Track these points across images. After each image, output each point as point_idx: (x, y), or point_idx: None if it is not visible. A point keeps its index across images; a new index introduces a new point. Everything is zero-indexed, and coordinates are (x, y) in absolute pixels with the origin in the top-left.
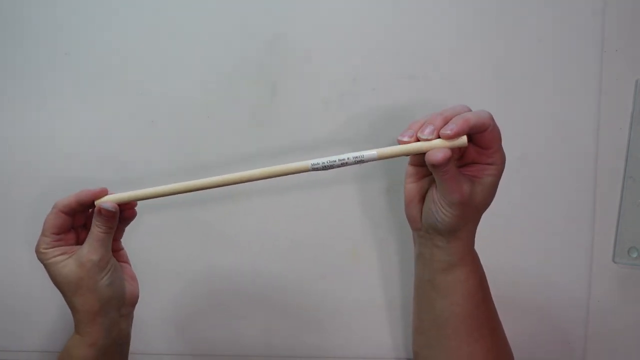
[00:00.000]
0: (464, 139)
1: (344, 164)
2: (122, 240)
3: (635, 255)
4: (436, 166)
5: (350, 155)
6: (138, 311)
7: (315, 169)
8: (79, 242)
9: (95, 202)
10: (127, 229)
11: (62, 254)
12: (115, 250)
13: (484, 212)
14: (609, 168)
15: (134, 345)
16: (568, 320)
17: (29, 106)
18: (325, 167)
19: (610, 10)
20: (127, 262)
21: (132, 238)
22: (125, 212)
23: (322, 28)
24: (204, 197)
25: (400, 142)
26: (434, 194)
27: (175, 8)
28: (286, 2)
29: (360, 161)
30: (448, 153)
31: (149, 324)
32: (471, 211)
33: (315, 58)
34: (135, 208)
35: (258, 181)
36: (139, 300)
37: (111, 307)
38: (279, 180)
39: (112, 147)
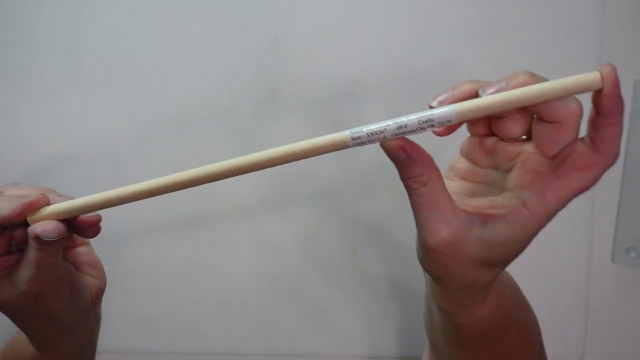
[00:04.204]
0: (595, 75)
1: (404, 132)
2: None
3: (634, 254)
4: (393, 159)
5: (412, 118)
6: (139, 311)
7: (359, 142)
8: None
9: (29, 219)
10: (126, 228)
11: None
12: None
13: (500, 268)
14: None
15: (135, 344)
16: (567, 319)
17: (29, 106)
18: (371, 139)
19: (609, 11)
20: (85, 244)
21: (132, 237)
22: (82, 231)
23: (323, 29)
24: (203, 196)
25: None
26: None
27: (175, 8)
28: (287, 3)
29: (429, 124)
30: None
31: (149, 323)
32: (462, 265)
33: (316, 58)
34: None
35: (258, 181)
36: (139, 300)
37: (77, 325)
38: (277, 179)
39: (112, 147)
